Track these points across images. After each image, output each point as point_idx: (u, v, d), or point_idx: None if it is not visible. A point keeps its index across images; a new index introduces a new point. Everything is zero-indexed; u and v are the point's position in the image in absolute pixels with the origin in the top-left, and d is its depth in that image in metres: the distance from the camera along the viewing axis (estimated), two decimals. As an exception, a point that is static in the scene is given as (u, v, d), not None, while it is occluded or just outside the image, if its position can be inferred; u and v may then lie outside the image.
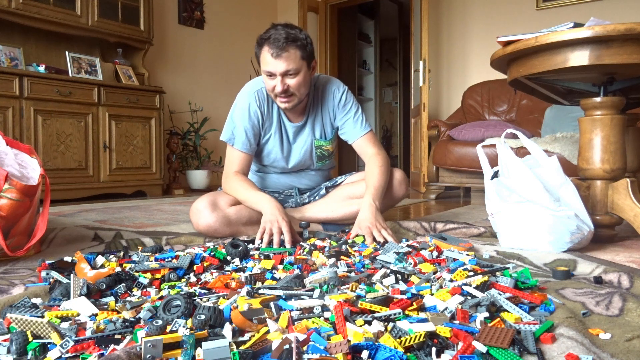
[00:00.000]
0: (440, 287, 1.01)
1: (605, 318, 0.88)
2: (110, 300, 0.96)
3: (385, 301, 0.88)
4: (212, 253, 1.33)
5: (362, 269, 1.19)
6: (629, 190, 1.58)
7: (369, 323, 0.79)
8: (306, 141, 1.90)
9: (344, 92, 1.88)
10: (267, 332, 0.77)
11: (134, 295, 1.01)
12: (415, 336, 0.71)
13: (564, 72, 1.57)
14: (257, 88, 1.81)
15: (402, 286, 1.02)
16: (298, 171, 1.99)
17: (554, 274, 1.17)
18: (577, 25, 1.51)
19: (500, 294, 0.94)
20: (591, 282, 1.12)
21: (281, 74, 1.64)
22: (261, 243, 1.50)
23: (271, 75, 1.66)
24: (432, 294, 0.95)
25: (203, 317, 0.78)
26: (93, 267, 1.17)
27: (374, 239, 1.54)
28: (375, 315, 0.82)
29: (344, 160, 5.97)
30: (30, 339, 0.75)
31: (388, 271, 1.12)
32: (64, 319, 0.85)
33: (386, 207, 1.97)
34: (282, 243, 1.51)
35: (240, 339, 0.75)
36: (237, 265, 1.25)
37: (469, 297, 0.93)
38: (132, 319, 0.84)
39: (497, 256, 1.40)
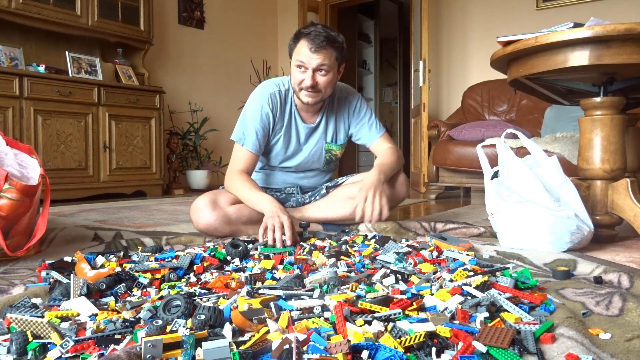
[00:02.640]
0: (440, 287, 1.01)
1: (605, 318, 0.88)
2: (110, 300, 0.96)
3: (385, 301, 0.88)
4: (212, 253, 1.33)
5: (362, 269, 1.19)
6: (629, 190, 1.58)
7: (369, 323, 0.79)
8: (317, 143, 1.93)
9: (358, 100, 1.98)
10: (267, 332, 0.77)
11: (134, 295, 1.01)
12: (415, 336, 0.71)
13: (564, 72, 1.57)
14: (271, 91, 1.83)
15: (402, 286, 1.02)
16: (303, 171, 2.00)
17: (554, 274, 1.17)
18: (577, 25, 1.51)
19: (500, 294, 0.94)
20: (591, 282, 1.11)
21: (314, 68, 1.68)
22: (266, 238, 1.51)
23: (303, 68, 1.70)
24: (432, 294, 0.95)
25: (203, 317, 0.78)
26: (93, 267, 1.17)
27: (365, 218, 1.75)
28: (375, 315, 0.82)
29: (344, 161, 5.97)
30: (30, 339, 0.75)
31: (388, 271, 1.12)
32: (64, 319, 0.85)
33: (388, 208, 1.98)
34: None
35: (240, 339, 0.75)
36: (237, 265, 1.25)
37: (469, 297, 0.93)
38: (132, 319, 0.84)
39: (497, 256, 1.40)
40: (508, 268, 1.17)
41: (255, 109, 1.82)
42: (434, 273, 1.13)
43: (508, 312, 0.87)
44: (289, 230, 1.52)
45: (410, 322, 0.79)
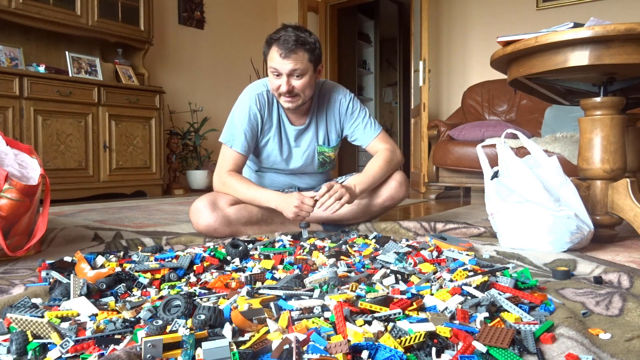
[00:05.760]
0: (440, 287, 1.01)
1: (605, 318, 0.88)
2: (110, 300, 0.96)
3: (385, 301, 0.88)
4: (212, 253, 1.33)
5: (362, 269, 1.20)
6: (629, 190, 1.58)
7: (369, 323, 0.79)
8: (309, 146, 1.91)
9: (351, 100, 1.92)
10: (267, 332, 0.77)
11: (134, 295, 1.01)
12: (415, 336, 0.71)
13: (564, 72, 1.57)
14: (259, 91, 1.82)
15: (402, 286, 1.02)
16: (298, 173, 1.99)
17: (554, 274, 1.17)
18: (577, 25, 1.51)
19: (500, 294, 0.94)
20: (591, 282, 1.12)
21: (287, 73, 1.67)
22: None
23: (277, 74, 1.68)
24: (432, 294, 0.95)
25: (203, 317, 0.78)
26: (93, 267, 1.17)
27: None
28: (375, 315, 0.82)
29: (344, 161, 5.97)
30: (30, 339, 0.75)
31: (388, 271, 1.12)
32: (64, 319, 0.85)
33: (386, 209, 1.98)
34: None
35: (240, 339, 0.75)
36: (237, 265, 1.25)
37: (469, 297, 0.93)
38: (132, 319, 0.84)
39: (497, 256, 1.40)
40: (508, 268, 1.17)
41: (243, 110, 1.80)
42: (434, 273, 1.13)
43: (508, 312, 0.87)
44: (304, 198, 1.64)
45: (410, 322, 0.79)
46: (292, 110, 1.80)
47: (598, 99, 1.63)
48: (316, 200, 1.65)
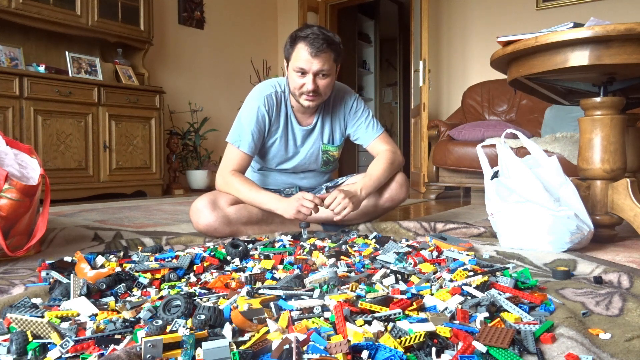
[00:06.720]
0: (440, 287, 1.01)
1: (605, 318, 0.88)
2: (110, 300, 0.96)
3: (385, 301, 0.88)
4: (212, 253, 1.33)
5: (362, 269, 1.20)
6: (629, 190, 1.58)
7: (369, 323, 0.79)
8: (314, 145, 1.92)
9: (355, 100, 1.94)
10: (267, 332, 0.77)
11: (134, 295, 1.01)
12: (415, 336, 0.71)
13: (564, 72, 1.57)
14: (267, 93, 1.82)
15: (402, 286, 1.02)
16: (301, 172, 1.99)
17: (554, 274, 1.17)
18: (577, 25, 1.51)
19: (500, 294, 0.94)
20: (591, 282, 1.12)
21: (314, 73, 1.67)
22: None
23: (303, 72, 1.68)
24: (432, 294, 0.95)
25: (203, 317, 0.78)
26: (93, 267, 1.17)
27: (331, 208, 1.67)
28: (375, 315, 0.82)
29: (344, 161, 5.97)
30: (30, 339, 0.75)
31: (388, 271, 1.12)
32: (64, 319, 0.85)
33: (387, 210, 1.98)
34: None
35: (240, 339, 0.75)
36: (237, 265, 1.25)
37: (469, 297, 0.93)
38: (132, 319, 0.84)
39: (497, 256, 1.40)
40: (508, 268, 1.17)
41: (252, 110, 1.80)
42: (434, 273, 1.13)
43: (508, 312, 0.87)
44: (308, 198, 1.62)
45: (410, 322, 0.79)
46: (305, 109, 1.81)
47: (598, 99, 1.63)
48: (319, 200, 1.65)
